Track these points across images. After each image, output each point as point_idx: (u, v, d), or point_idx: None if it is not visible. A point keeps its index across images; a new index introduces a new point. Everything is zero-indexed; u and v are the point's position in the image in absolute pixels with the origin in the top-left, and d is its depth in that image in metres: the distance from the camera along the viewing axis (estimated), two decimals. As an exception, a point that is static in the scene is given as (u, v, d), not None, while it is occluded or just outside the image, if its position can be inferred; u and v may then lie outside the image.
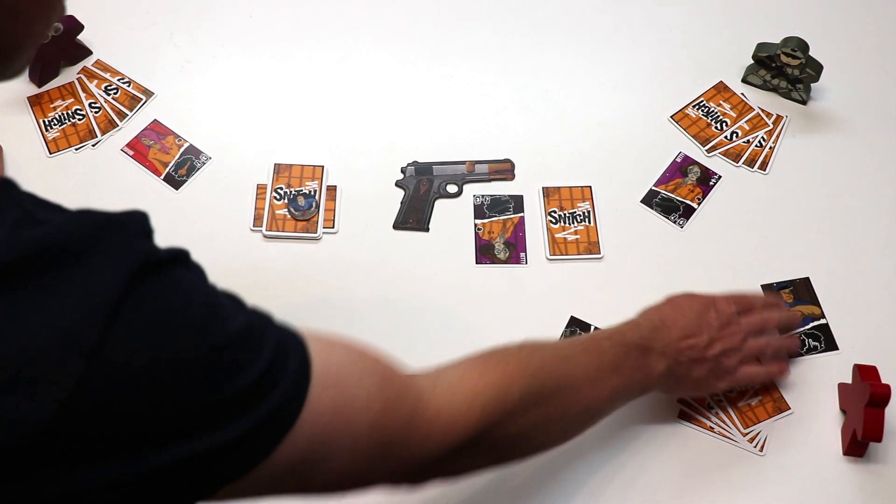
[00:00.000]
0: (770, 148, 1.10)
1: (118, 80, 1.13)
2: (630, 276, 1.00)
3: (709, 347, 0.84)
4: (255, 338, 0.53)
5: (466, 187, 1.06)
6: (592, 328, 0.95)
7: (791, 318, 0.94)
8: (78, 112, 1.09)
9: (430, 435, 0.63)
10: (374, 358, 0.62)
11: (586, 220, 1.04)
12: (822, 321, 0.97)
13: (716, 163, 1.09)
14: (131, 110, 1.10)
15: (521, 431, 0.71)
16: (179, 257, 0.52)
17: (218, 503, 0.54)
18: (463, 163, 1.08)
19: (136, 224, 0.51)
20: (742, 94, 1.15)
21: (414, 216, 1.03)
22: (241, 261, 0.99)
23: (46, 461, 0.46)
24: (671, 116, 1.13)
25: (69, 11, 1.09)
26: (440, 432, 0.63)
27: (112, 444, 0.47)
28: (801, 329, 0.97)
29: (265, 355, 0.52)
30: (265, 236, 1.01)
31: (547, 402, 0.72)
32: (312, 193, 1.04)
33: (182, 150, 1.07)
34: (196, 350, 0.49)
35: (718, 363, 0.85)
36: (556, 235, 1.02)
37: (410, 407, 0.61)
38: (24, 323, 0.44)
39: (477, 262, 1.01)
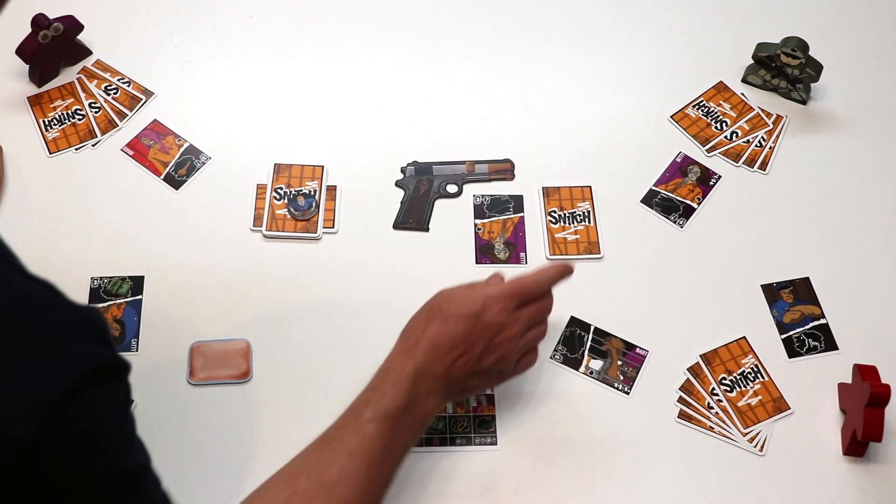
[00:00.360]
0: (770, 148, 1.10)
1: (118, 80, 1.13)
2: (630, 276, 1.00)
3: (482, 360, 0.81)
4: (145, 484, 0.55)
5: (466, 187, 1.06)
6: (592, 328, 0.96)
7: (559, 277, 0.87)
8: (78, 112, 1.09)
9: None
10: None
11: (586, 220, 1.04)
12: (822, 321, 0.97)
13: (716, 163, 1.09)
14: (131, 110, 1.10)
15: None
16: (121, 370, 0.53)
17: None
18: (463, 163, 1.08)
19: (93, 327, 0.51)
20: (742, 94, 1.15)
21: (414, 216, 1.03)
22: (241, 261, 1.00)
23: None
24: (671, 116, 1.13)
25: (69, 11, 1.10)
26: None
27: None
28: (801, 329, 0.97)
29: (150, 498, 0.55)
30: (265, 236, 1.01)
31: None
32: (312, 193, 1.04)
33: (182, 150, 1.07)
34: (104, 471, 0.50)
35: (492, 370, 0.82)
36: (556, 235, 1.02)
37: None
38: None
39: (477, 262, 1.01)
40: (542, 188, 1.06)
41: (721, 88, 1.16)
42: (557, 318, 0.96)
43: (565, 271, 0.87)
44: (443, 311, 0.81)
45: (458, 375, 0.80)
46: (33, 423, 0.45)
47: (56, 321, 0.48)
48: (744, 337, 0.96)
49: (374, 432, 0.74)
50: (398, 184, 1.06)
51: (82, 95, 1.11)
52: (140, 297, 0.96)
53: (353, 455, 0.73)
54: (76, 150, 1.07)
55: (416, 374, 0.78)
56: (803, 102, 1.15)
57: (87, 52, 1.14)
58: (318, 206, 1.03)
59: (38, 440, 0.46)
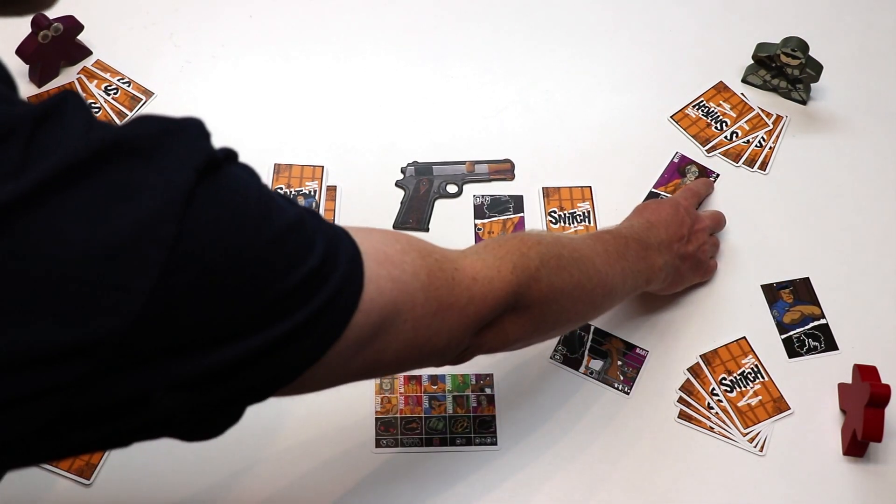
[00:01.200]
0: (770, 148, 1.10)
1: (118, 80, 1.13)
2: (630, 276, 1.00)
3: (688, 243, 0.92)
4: (308, 227, 0.55)
5: (466, 187, 1.06)
6: (592, 329, 0.96)
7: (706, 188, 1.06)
8: (78, 112, 1.09)
9: (473, 295, 0.67)
10: (408, 236, 0.67)
11: (586, 220, 1.04)
12: (822, 321, 0.97)
13: (716, 163, 1.09)
14: (131, 110, 1.10)
15: (551, 293, 0.74)
16: (232, 156, 0.55)
17: (292, 396, 0.59)
18: (463, 163, 1.08)
19: (195, 127, 0.53)
20: (742, 94, 1.15)
21: (414, 216, 1.03)
22: (241, 261, 0.99)
23: (131, 358, 0.47)
24: (671, 116, 1.13)
25: (69, 11, 1.10)
26: (481, 292, 0.68)
27: (192, 336, 0.49)
28: (801, 329, 0.97)
29: (320, 242, 0.55)
30: (265, 236, 1.01)
31: (567, 268, 0.76)
32: (312, 193, 1.04)
33: (182, 150, 1.07)
34: (260, 239, 0.51)
35: (696, 257, 0.93)
36: (556, 235, 1.02)
37: (450, 272, 0.66)
38: (104, 217, 0.46)
39: (477, 262, 1.01)
40: (542, 188, 1.06)
41: (721, 88, 1.16)
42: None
43: (709, 185, 1.07)
44: (649, 206, 0.94)
45: (676, 251, 0.90)
46: (172, 221, 0.47)
47: (162, 132, 0.50)
48: (744, 337, 0.96)
49: (610, 239, 0.84)
50: (398, 184, 1.06)
51: (82, 96, 1.11)
52: (140, 297, 0.96)
53: (587, 240, 0.82)
54: (76, 150, 1.07)
55: (645, 231, 0.88)
56: (803, 102, 1.15)
57: (87, 52, 1.14)
58: (318, 206, 1.03)
59: (181, 235, 0.47)
